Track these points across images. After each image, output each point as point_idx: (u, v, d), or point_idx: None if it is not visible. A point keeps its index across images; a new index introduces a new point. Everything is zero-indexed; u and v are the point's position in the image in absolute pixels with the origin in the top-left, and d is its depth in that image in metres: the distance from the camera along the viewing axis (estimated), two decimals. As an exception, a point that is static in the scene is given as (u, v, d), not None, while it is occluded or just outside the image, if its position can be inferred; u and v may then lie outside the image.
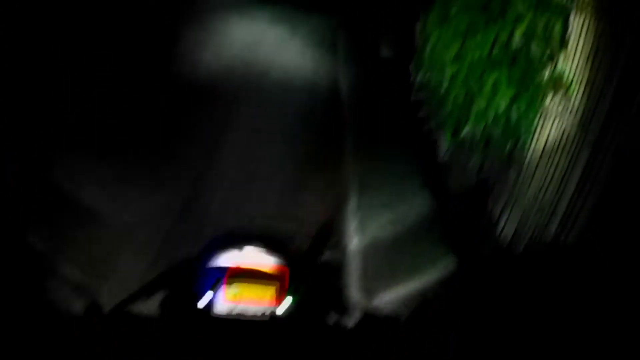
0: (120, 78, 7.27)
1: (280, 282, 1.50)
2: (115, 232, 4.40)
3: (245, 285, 1.48)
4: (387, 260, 4.49)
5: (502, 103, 4.03)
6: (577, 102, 3.74)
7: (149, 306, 1.60)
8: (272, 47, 9.28)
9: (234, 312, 1.45)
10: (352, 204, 5.22)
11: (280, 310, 1.47)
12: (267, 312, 1.47)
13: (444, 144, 4.60)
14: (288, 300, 1.50)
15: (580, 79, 3.73)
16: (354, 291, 4.15)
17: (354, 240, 4.73)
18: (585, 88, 3.67)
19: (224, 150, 6.10)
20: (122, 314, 1.50)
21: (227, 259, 1.66)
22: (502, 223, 4.43)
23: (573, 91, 3.79)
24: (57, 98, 6.27)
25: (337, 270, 4.42)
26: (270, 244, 1.70)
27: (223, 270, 1.51)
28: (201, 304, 1.44)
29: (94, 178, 4.99)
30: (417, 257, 4.45)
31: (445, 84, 4.49)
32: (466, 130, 4.31)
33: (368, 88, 8.48)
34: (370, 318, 1.67)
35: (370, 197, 5.26)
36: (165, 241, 4.39)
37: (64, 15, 7.53)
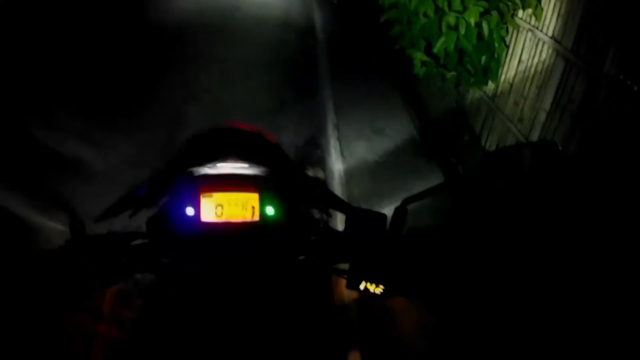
0: (94, 25, 7.46)
1: (261, 191, 1.50)
2: (102, 176, 4.52)
3: (226, 195, 1.43)
4: (371, 179, 4.77)
5: (472, 17, 4.25)
6: (548, 17, 4.01)
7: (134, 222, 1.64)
8: None
9: (220, 220, 1.44)
10: (332, 125, 5.50)
11: (264, 217, 1.45)
12: (252, 220, 1.44)
13: (418, 60, 4.84)
14: (270, 210, 1.51)
15: (550, -6, 3.98)
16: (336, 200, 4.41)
17: (337, 159, 5.01)
18: (556, 2, 3.92)
19: (201, 84, 6.31)
20: (105, 234, 1.49)
21: (205, 169, 1.60)
22: (484, 136, 4.81)
23: (543, 6, 4.04)
24: (32, 53, 6.48)
25: (320, 187, 4.71)
26: (249, 157, 1.72)
27: (202, 180, 1.47)
28: (187, 213, 1.42)
29: (74, 128, 5.10)
30: (402, 174, 4.77)
31: (413, 2, 4.64)
32: (439, 43, 4.53)
33: (339, 14, 8.51)
34: (357, 221, 1.70)
35: (350, 117, 5.55)
36: (152, 177, 4.52)
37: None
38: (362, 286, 1.48)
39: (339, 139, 5.24)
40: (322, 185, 3.93)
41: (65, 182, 4.42)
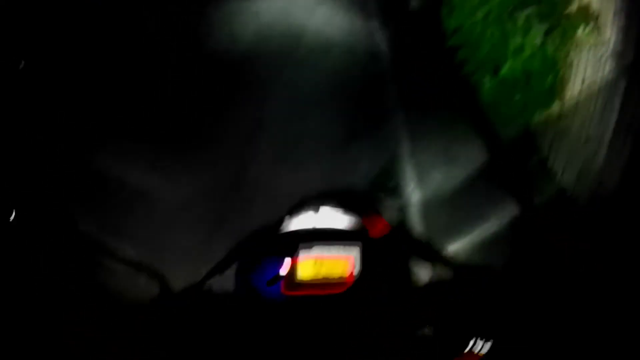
0: (156, 56, 7.40)
1: (360, 244, 1.44)
2: (168, 210, 4.51)
3: (321, 261, 1.43)
4: (448, 212, 4.66)
5: (537, 38, 4.24)
6: (608, 32, 3.93)
7: (220, 286, 1.61)
8: (304, 11, 9.24)
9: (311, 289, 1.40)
10: (406, 158, 5.40)
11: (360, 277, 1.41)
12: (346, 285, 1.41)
13: (486, 85, 4.84)
14: (366, 270, 1.43)
15: (608, 8, 3.91)
16: (419, 246, 4.27)
17: (414, 195, 4.92)
18: (614, 17, 3.84)
19: (267, 118, 5.96)
20: (193, 296, 1.50)
21: (299, 223, 1.56)
22: (552, 159, 4.69)
23: (603, 21, 3.97)
24: (95, 80, 5.96)
25: (399, 226, 4.53)
26: (343, 202, 1.66)
27: (293, 242, 1.49)
28: (274, 282, 1.40)
29: (140, 159, 5.04)
30: (478, 205, 4.60)
31: (478, 26, 4.69)
32: (506, 67, 4.52)
33: (403, 40, 8.47)
34: (441, 268, 1.67)
35: (424, 148, 5.37)
36: (220, 215, 4.48)
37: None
38: (467, 348, 1.46)
39: (414, 168, 5.21)
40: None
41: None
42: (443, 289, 1.40)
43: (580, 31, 4.29)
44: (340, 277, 1.37)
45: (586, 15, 4.06)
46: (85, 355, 1.36)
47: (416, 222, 4.66)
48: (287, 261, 1.34)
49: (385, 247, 1.49)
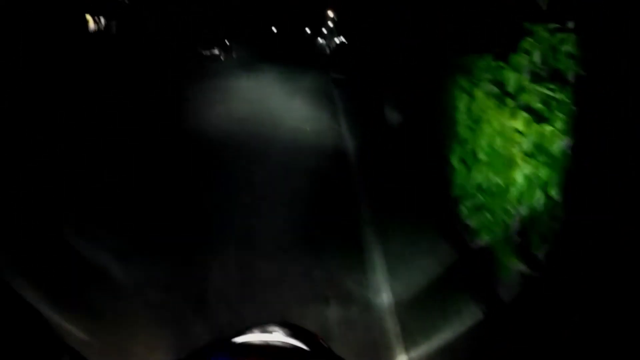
0: (128, 146, 8.33)
1: None
2: (127, 293, 4.62)
3: None
4: (417, 315, 4.70)
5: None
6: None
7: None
8: (277, 110, 10.26)
9: None
10: (377, 261, 5.53)
11: None
12: None
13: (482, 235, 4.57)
14: None
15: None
16: (389, 349, 4.31)
17: (383, 297, 4.96)
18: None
19: (235, 218, 6.52)
20: None
21: (245, 339, 1.63)
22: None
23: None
24: (70, 170, 7.21)
25: (369, 329, 4.59)
26: (291, 327, 1.73)
27: (241, 352, 1.41)
28: None
29: (106, 244, 5.30)
30: (446, 308, 4.70)
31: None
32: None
33: (375, 148, 8.82)
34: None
35: (394, 252, 5.63)
36: (179, 307, 4.57)
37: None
38: None
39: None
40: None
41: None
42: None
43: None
44: None
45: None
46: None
47: (387, 325, 4.74)
48: None
49: None
